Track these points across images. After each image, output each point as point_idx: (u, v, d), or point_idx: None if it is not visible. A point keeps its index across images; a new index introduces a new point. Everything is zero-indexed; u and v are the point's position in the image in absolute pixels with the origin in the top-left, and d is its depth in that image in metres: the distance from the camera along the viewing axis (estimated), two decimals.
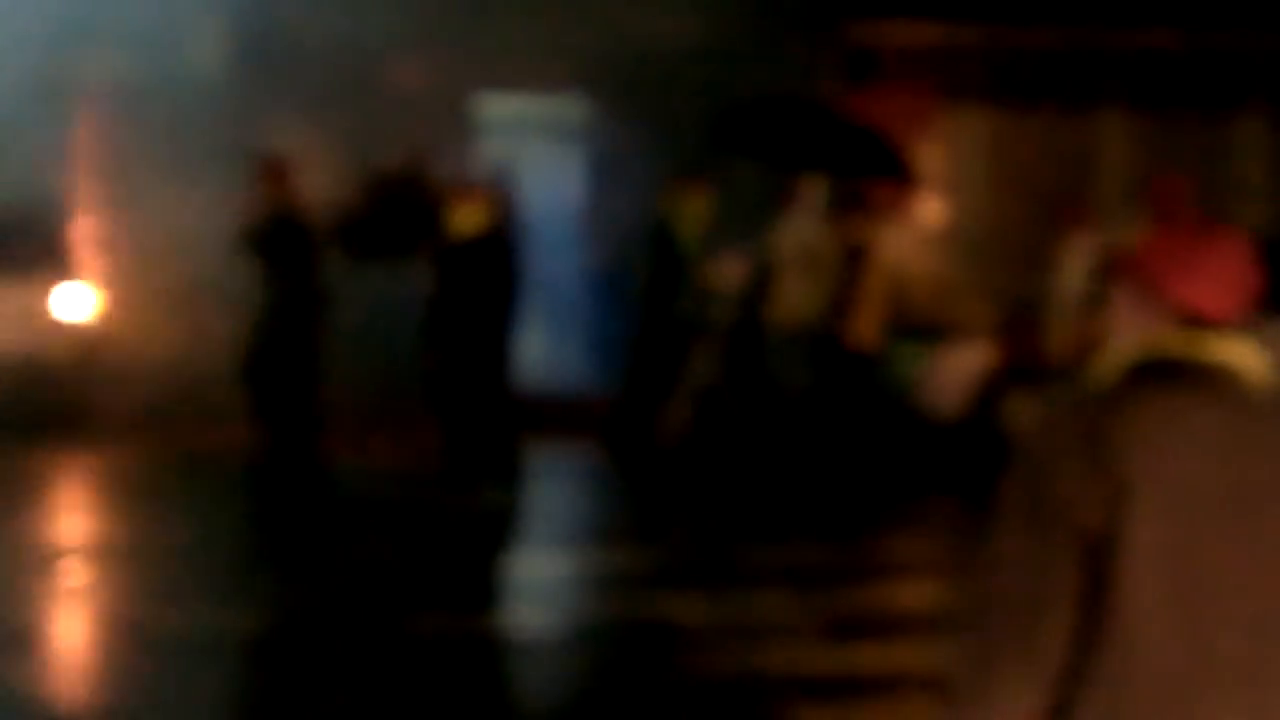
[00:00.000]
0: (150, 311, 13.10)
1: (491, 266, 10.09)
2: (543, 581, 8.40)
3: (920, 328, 12.27)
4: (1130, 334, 2.53)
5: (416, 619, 7.40)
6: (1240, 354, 2.50)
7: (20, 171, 13.03)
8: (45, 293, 12.31)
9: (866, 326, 11.24)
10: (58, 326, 12.32)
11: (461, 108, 15.70)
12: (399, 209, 11.34)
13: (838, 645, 7.13)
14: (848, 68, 14.31)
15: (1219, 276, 2.52)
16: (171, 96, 14.29)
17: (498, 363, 10.22)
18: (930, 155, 14.37)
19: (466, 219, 10.09)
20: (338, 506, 10.08)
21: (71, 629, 7.48)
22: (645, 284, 11.57)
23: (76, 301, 12.47)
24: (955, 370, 11.82)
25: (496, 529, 9.54)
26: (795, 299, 11.58)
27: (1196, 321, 2.49)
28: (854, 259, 11.31)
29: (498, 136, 18.27)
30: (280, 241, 10.11)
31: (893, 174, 12.30)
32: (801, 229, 11.68)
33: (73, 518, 10.07)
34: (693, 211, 11.30)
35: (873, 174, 12.36)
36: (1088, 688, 2.36)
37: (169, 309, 13.15)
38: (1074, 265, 10.87)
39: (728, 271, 11.96)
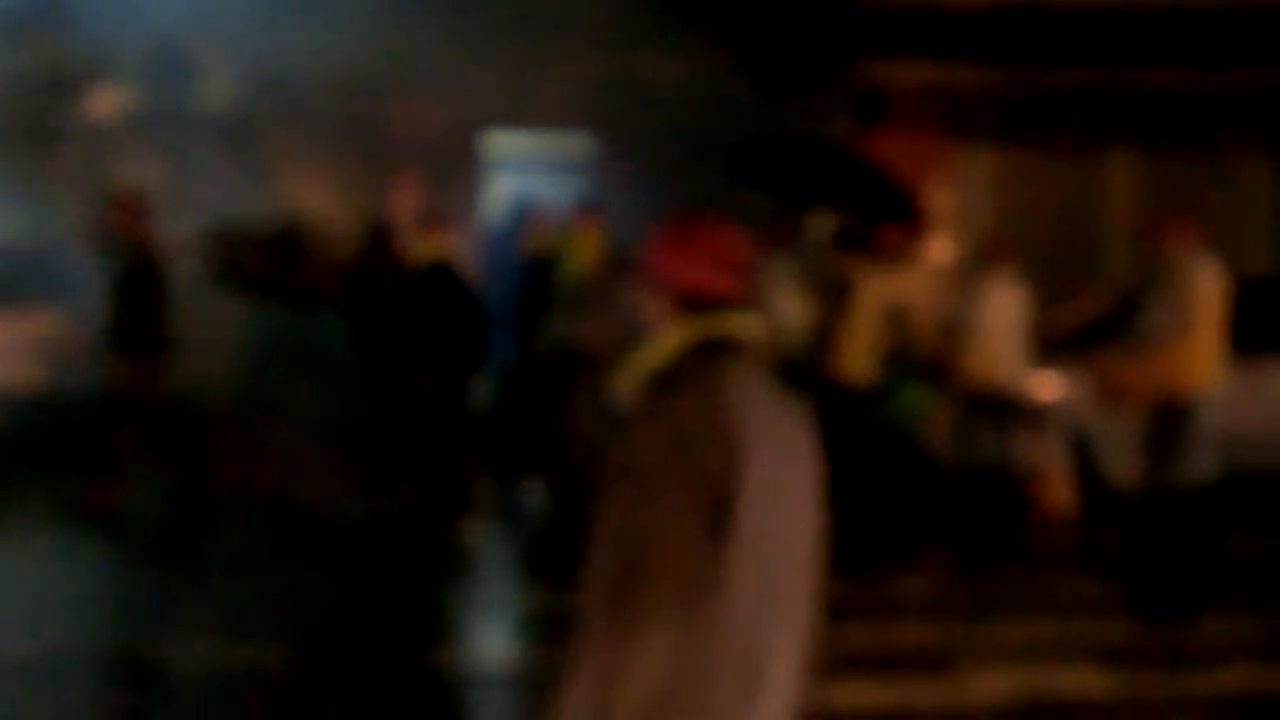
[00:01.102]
0: None
1: (443, 296, 10.21)
2: (550, 610, 8.44)
3: (926, 366, 12.34)
4: (661, 322, 2.96)
5: (426, 653, 7.44)
6: (750, 320, 2.98)
7: (28, 206, 13.20)
8: (58, 325, 12.36)
9: (851, 361, 11.32)
10: (71, 358, 12.38)
11: (469, 144, 15.86)
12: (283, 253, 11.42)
13: (839, 679, 7.14)
14: (854, 108, 14.42)
15: (716, 261, 2.96)
16: (185, 132, 14.46)
17: (449, 392, 10.24)
18: (937, 194, 14.48)
19: (427, 251, 10.23)
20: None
21: (89, 663, 7.48)
22: (519, 313, 11.83)
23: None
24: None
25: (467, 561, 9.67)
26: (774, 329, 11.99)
27: (705, 302, 2.94)
28: (841, 293, 11.41)
29: (505, 172, 18.49)
30: (131, 279, 10.02)
31: (904, 218, 12.40)
32: (785, 264, 12.00)
33: (90, 551, 10.13)
34: (585, 244, 11.34)
35: (885, 217, 12.48)
36: (705, 622, 2.74)
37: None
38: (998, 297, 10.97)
39: None
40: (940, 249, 14.76)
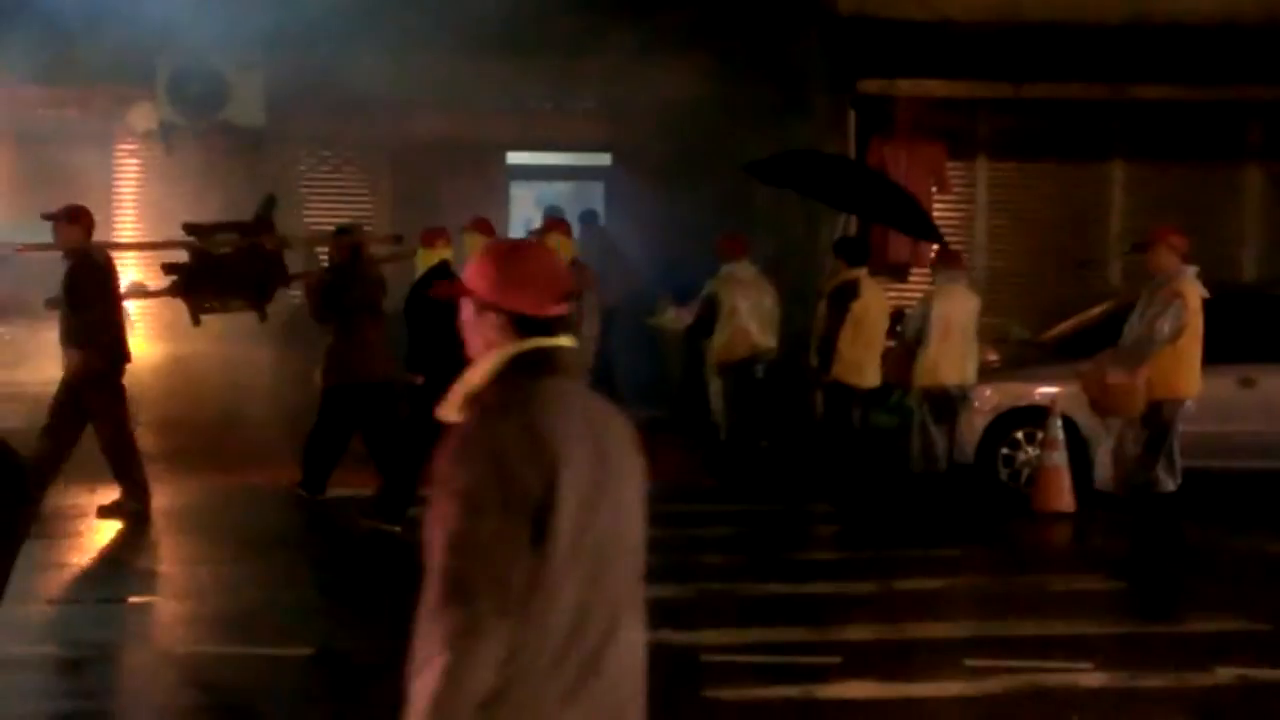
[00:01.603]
0: (190, 348, 13.44)
1: (436, 301, 10.54)
2: None
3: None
4: (486, 342, 3.16)
5: None
6: (568, 342, 3.16)
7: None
8: None
9: (853, 365, 11.55)
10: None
11: (492, 158, 16.06)
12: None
13: (852, 675, 7.35)
14: (860, 123, 14.58)
15: (534, 284, 3.16)
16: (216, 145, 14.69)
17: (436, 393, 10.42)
18: (941, 207, 14.71)
19: (426, 260, 10.73)
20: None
21: (124, 661, 7.68)
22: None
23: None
24: (960, 414, 12.17)
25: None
26: (741, 333, 12.38)
27: (532, 324, 3.14)
28: (840, 301, 11.63)
29: (525, 184, 18.76)
30: (78, 284, 10.32)
31: (924, 236, 12.68)
32: (741, 270, 12.46)
33: (122, 552, 10.37)
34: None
35: (918, 236, 12.79)
36: (529, 622, 2.96)
37: (209, 347, 13.52)
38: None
39: (682, 314, 12.95)
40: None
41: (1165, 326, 9.29)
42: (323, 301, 11.25)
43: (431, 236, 11.00)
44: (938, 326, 11.57)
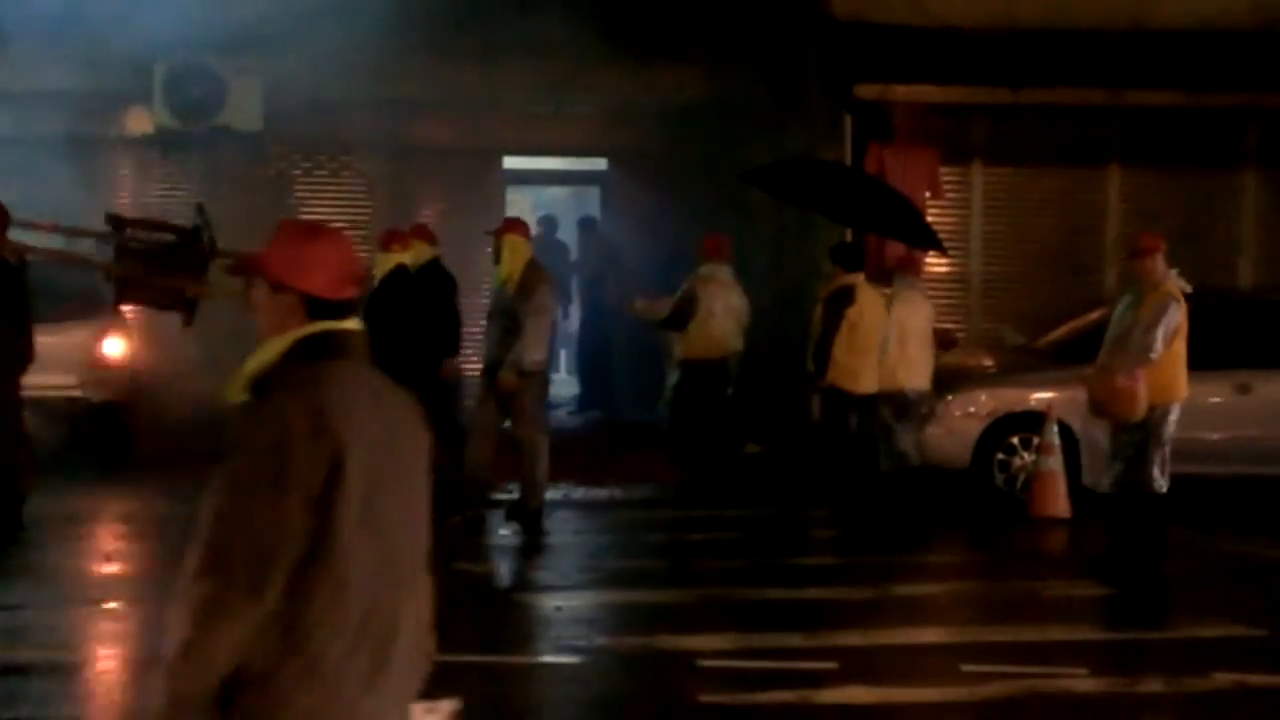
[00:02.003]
0: (191, 353, 13.44)
1: (390, 303, 10.63)
2: (561, 615, 8.69)
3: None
4: (276, 323, 3.20)
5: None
6: (357, 325, 3.22)
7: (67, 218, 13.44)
8: (92, 335, 12.59)
9: (841, 371, 11.58)
10: (104, 367, 12.63)
11: (489, 163, 16.09)
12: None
13: (848, 680, 7.36)
14: (857, 128, 14.61)
15: (328, 267, 3.21)
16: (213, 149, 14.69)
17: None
18: (937, 212, 14.73)
19: (384, 264, 10.81)
20: None
21: (119, 667, 7.70)
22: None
23: (121, 343, 12.78)
24: (956, 419, 12.20)
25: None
26: (716, 334, 12.54)
27: (324, 306, 3.18)
28: (835, 306, 11.67)
29: (522, 189, 18.78)
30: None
31: (922, 244, 12.74)
32: (721, 272, 12.61)
33: (120, 557, 10.38)
34: (510, 256, 11.09)
35: (921, 245, 12.86)
36: (314, 598, 3.01)
37: (210, 351, 13.50)
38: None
39: (654, 306, 13.11)
40: (938, 264, 15.02)
41: (1165, 330, 9.36)
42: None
43: (388, 239, 10.99)
44: (895, 332, 11.68)
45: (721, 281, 12.66)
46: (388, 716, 3.21)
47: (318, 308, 3.19)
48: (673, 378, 13.07)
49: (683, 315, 12.63)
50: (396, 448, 3.17)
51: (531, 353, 10.83)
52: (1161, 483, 9.49)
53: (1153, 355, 9.36)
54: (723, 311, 12.60)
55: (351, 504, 3.04)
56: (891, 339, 11.67)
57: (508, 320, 10.85)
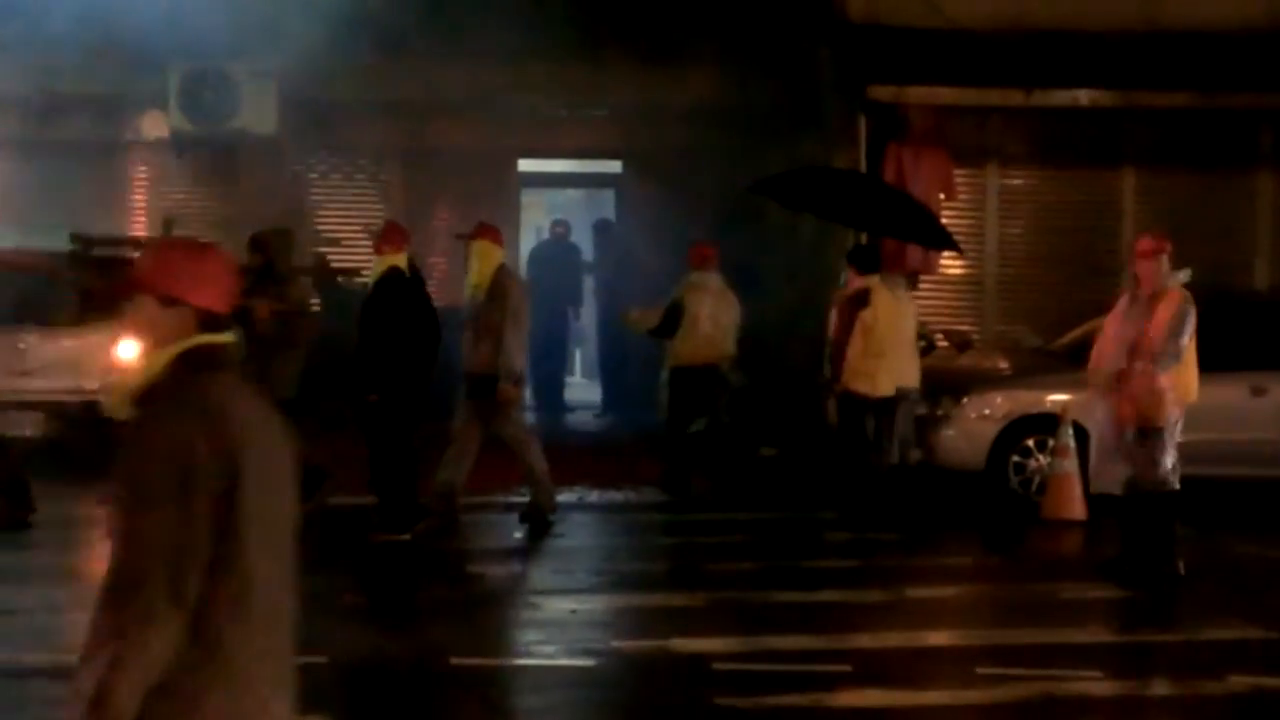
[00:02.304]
0: None
1: (385, 307, 10.61)
2: (576, 618, 8.72)
3: (940, 380, 12.64)
4: (163, 337, 3.26)
5: (450, 654, 7.72)
6: (232, 338, 3.31)
7: (82, 222, 13.49)
8: (105, 338, 12.60)
9: (856, 373, 11.58)
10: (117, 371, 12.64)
11: (504, 165, 16.10)
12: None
13: (862, 684, 7.36)
14: (871, 130, 14.61)
15: (219, 282, 3.32)
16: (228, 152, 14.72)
17: (392, 396, 10.54)
18: (952, 214, 14.73)
19: (379, 267, 10.72)
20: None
21: None
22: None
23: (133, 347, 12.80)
24: (972, 421, 12.19)
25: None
26: (702, 340, 12.60)
27: (210, 320, 3.28)
28: (850, 309, 11.68)
29: (536, 191, 18.77)
30: None
31: (939, 245, 12.73)
32: (709, 280, 12.68)
33: None
34: (479, 262, 11.13)
35: (937, 246, 12.88)
36: (221, 601, 3.10)
37: None
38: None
39: (645, 315, 13.26)
40: (953, 266, 15.02)
41: (1188, 334, 9.39)
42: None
43: (384, 242, 10.92)
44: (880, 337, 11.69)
45: (709, 289, 12.73)
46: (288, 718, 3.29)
47: (208, 322, 3.28)
48: (664, 388, 13.15)
49: (672, 323, 12.74)
50: (275, 455, 3.27)
51: (517, 359, 10.89)
52: (1175, 482, 9.50)
53: (1180, 359, 9.38)
54: (709, 318, 12.67)
55: (250, 509, 3.14)
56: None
57: (478, 326, 10.86)
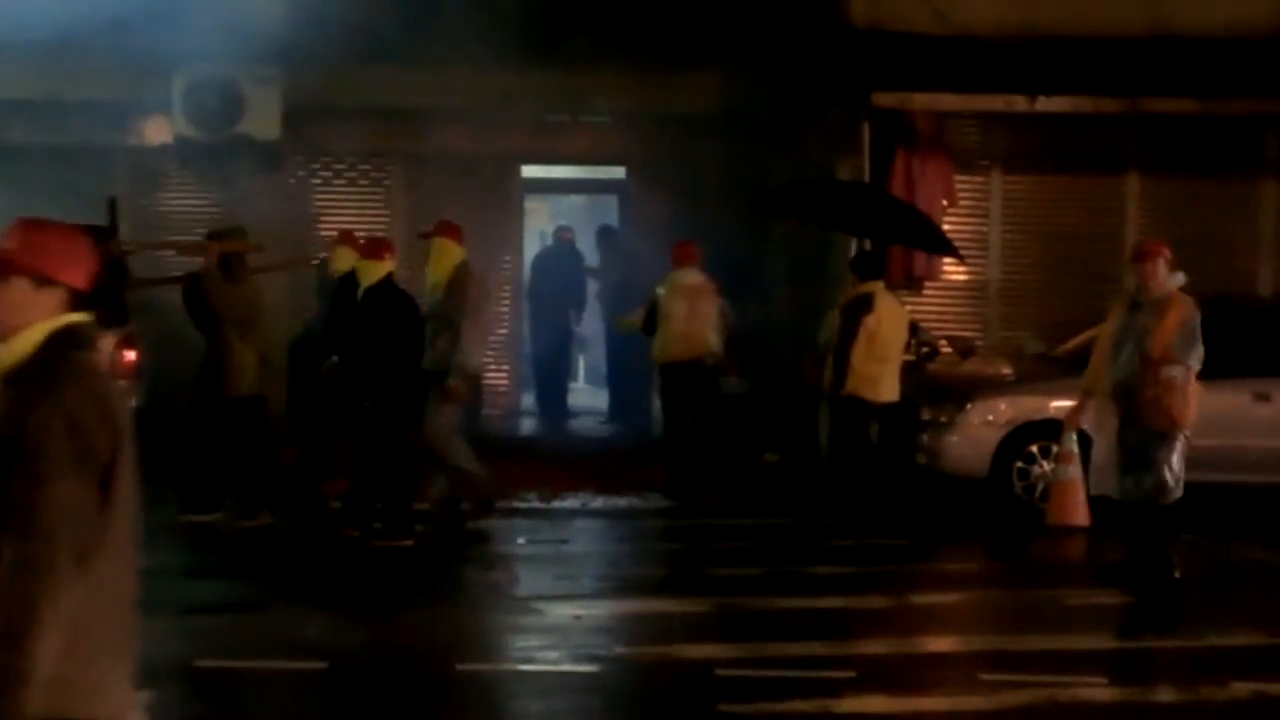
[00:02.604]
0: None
1: (381, 314, 10.61)
2: (580, 624, 8.71)
3: (944, 386, 12.65)
4: (33, 317, 3.36)
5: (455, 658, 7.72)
6: (92, 317, 3.44)
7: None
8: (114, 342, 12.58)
9: (860, 379, 11.58)
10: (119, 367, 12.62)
11: (507, 171, 16.11)
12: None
13: (867, 690, 7.36)
14: (875, 136, 14.60)
15: (87, 262, 3.43)
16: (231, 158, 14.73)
17: (357, 390, 10.57)
18: (955, 220, 14.73)
19: (371, 273, 10.71)
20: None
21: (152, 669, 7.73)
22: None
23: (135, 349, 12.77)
24: (974, 428, 12.19)
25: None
26: (677, 337, 12.78)
27: (80, 297, 3.41)
28: (853, 313, 11.69)
29: (540, 198, 18.78)
30: None
31: (940, 251, 12.75)
32: (688, 276, 12.84)
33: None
34: (438, 261, 11.19)
35: (939, 252, 12.91)
36: (101, 559, 3.28)
37: None
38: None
39: (633, 318, 13.51)
40: (955, 272, 15.02)
41: (1200, 336, 9.40)
42: (188, 310, 11.12)
43: (377, 248, 10.92)
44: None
45: (688, 285, 12.87)
46: (128, 691, 3.44)
47: (78, 301, 3.41)
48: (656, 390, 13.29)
49: (652, 321, 12.96)
50: (126, 439, 3.39)
51: (473, 356, 10.94)
52: (1177, 490, 9.48)
53: (1201, 363, 9.38)
54: (686, 314, 12.78)
55: (123, 488, 3.34)
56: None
57: (436, 323, 10.87)
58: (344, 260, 11.45)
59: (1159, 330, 9.38)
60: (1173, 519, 9.52)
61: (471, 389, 11.33)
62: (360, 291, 10.74)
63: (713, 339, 12.85)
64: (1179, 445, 9.39)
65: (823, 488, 12.22)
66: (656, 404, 13.52)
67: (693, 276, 12.93)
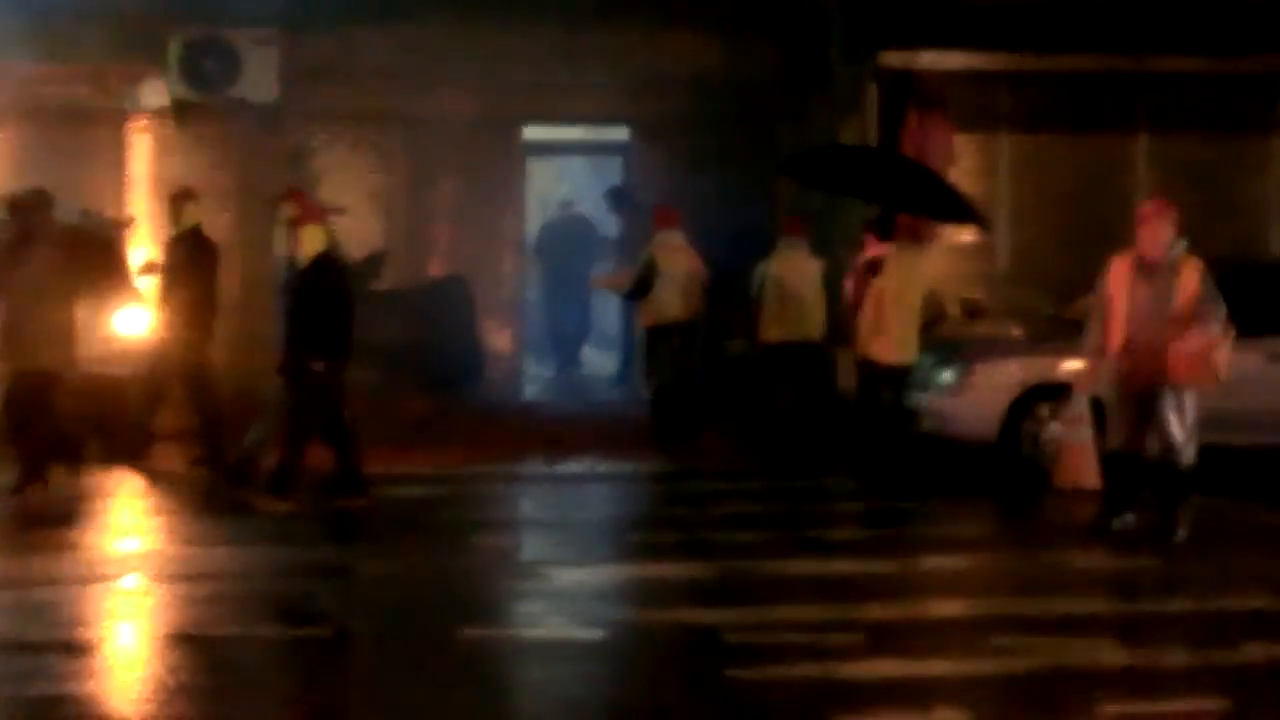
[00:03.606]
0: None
1: (320, 284, 10.51)
2: (585, 589, 8.66)
3: (952, 348, 12.56)
4: None
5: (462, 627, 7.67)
6: None
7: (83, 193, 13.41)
8: (107, 310, 12.54)
9: (867, 341, 11.55)
10: (120, 343, 12.58)
11: (508, 133, 16.02)
12: None
13: (875, 654, 7.31)
14: (882, 96, 14.53)
15: None
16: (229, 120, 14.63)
17: (311, 373, 10.46)
18: (963, 180, 14.63)
19: (311, 242, 10.57)
20: None
21: (133, 643, 7.65)
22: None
23: (137, 319, 12.73)
24: (984, 390, 12.10)
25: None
26: (667, 298, 13.21)
27: None
28: (861, 277, 11.68)
29: (542, 160, 18.66)
30: None
31: (974, 222, 12.78)
32: (673, 238, 13.29)
33: (134, 533, 10.39)
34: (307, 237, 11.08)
35: (954, 220, 12.99)
36: None
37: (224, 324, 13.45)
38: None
39: (616, 278, 14.23)
40: (963, 233, 14.94)
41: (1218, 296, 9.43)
42: None
43: (312, 215, 10.72)
44: (772, 288, 12.92)
45: (675, 247, 13.28)
46: None
47: None
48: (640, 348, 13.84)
49: (645, 284, 13.27)
50: None
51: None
52: (1191, 451, 9.48)
53: (1224, 324, 9.43)
54: (679, 276, 13.22)
55: None
56: (771, 294, 12.99)
57: (290, 300, 10.84)
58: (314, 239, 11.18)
59: (1179, 290, 9.37)
60: (1187, 482, 9.50)
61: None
62: (309, 257, 10.57)
63: (699, 300, 13.36)
64: (1190, 404, 9.39)
65: (842, 448, 12.31)
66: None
67: (678, 238, 13.33)
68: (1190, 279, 9.44)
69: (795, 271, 13.05)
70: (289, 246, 10.73)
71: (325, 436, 10.60)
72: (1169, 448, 9.50)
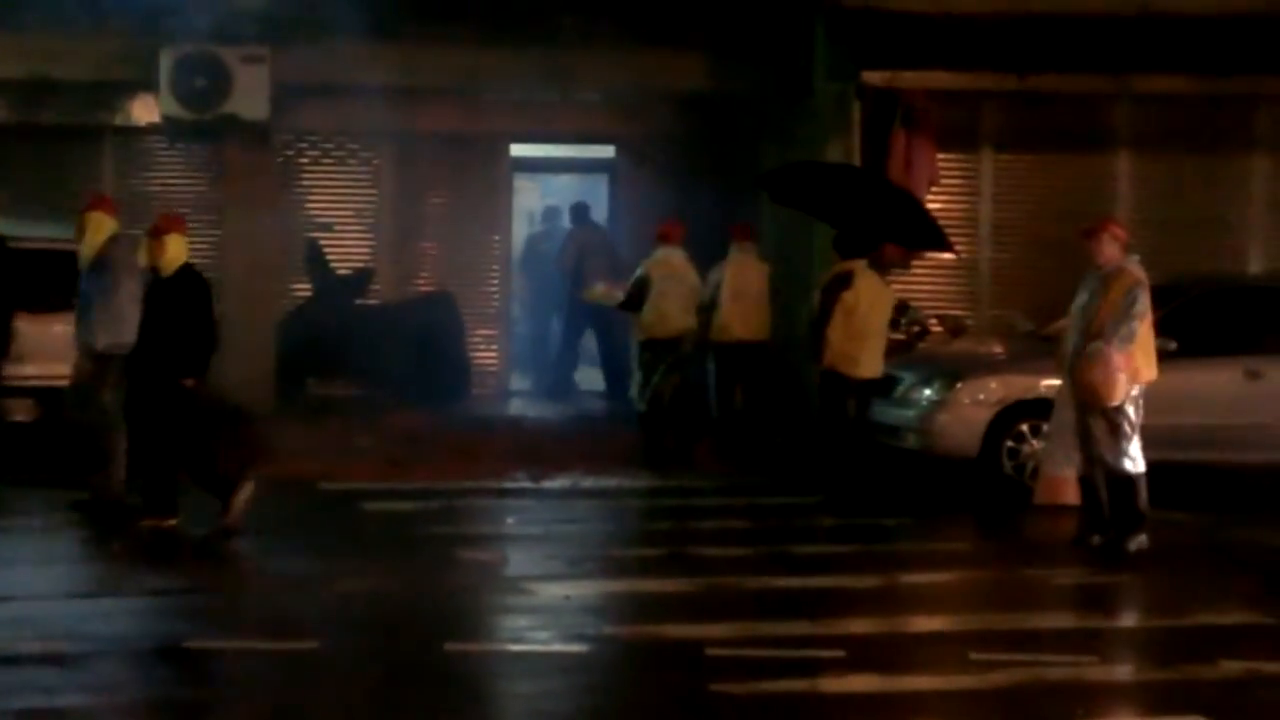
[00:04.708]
0: None
1: (180, 299, 10.24)
2: (569, 604, 8.69)
3: (934, 365, 12.63)
4: None
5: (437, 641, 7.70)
6: None
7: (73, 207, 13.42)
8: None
9: (838, 355, 11.58)
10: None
11: (496, 150, 16.07)
12: None
13: (856, 669, 7.34)
14: (865, 115, 14.58)
15: None
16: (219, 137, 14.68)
17: (170, 389, 10.15)
18: (945, 198, 14.71)
19: (175, 250, 10.28)
20: None
21: (140, 649, 7.65)
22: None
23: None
24: (965, 407, 12.17)
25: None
26: (664, 314, 13.39)
27: None
28: (832, 289, 11.70)
29: (529, 177, 18.72)
30: None
31: (943, 248, 12.85)
32: (672, 255, 13.44)
33: (127, 547, 10.37)
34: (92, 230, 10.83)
35: (925, 247, 13.11)
36: None
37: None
38: None
39: (611, 291, 14.37)
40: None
41: (1139, 312, 9.58)
42: None
43: (176, 227, 10.46)
44: (728, 290, 13.27)
45: (673, 264, 13.42)
46: None
47: None
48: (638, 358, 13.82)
49: (639, 297, 13.41)
50: None
51: (105, 335, 10.56)
52: (1140, 462, 9.68)
53: (1134, 340, 9.59)
54: (673, 292, 13.35)
55: None
56: (725, 296, 13.24)
57: (83, 300, 10.68)
58: (96, 227, 10.86)
59: (1101, 305, 9.64)
60: (1134, 490, 9.68)
61: (117, 370, 10.66)
62: (170, 270, 10.24)
63: (692, 318, 13.47)
64: (1128, 417, 9.58)
65: (812, 461, 12.30)
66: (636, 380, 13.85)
67: (678, 255, 13.46)
68: (1115, 293, 9.66)
69: (745, 275, 13.41)
70: (150, 257, 10.26)
71: (169, 446, 10.19)
72: (1098, 460, 9.77)
